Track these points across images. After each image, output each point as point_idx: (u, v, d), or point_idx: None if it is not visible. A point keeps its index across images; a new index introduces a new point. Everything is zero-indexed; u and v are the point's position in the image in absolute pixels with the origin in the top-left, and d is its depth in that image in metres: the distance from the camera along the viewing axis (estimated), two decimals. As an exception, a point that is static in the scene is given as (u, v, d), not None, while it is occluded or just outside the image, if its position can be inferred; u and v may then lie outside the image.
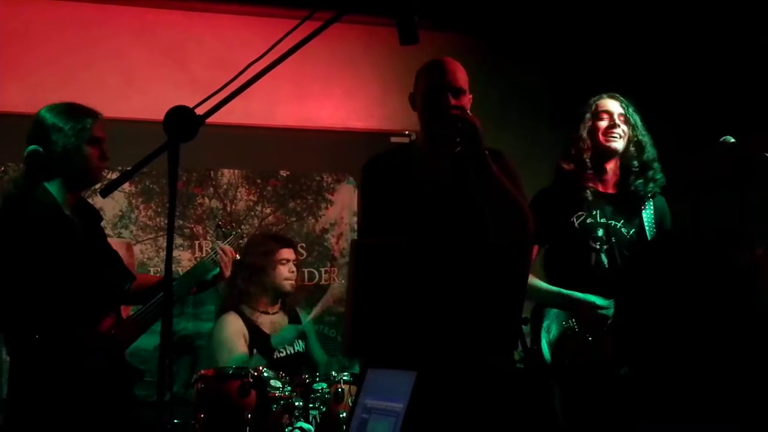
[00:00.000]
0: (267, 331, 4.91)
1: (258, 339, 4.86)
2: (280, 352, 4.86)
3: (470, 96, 3.47)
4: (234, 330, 4.83)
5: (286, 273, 4.97)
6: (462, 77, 3.44)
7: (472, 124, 3.26)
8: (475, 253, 3.01)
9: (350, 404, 3.93)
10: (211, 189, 5.72)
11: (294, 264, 5.04)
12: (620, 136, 3.99)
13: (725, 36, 5.49)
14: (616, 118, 4.00)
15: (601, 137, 3.99)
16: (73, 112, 3.53)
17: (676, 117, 5.56)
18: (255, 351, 4.79)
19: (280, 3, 5.41)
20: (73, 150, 3.47)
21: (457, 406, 3.05)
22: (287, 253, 5.02)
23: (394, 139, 5.83)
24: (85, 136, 3.50)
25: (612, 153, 4.00)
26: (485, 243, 3.13)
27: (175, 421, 4.13)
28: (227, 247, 3.94)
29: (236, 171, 5.77)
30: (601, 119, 4.01)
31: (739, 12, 5.28)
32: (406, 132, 5.80)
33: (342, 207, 5.90)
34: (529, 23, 5.89)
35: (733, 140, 3.87)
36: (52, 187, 3.49)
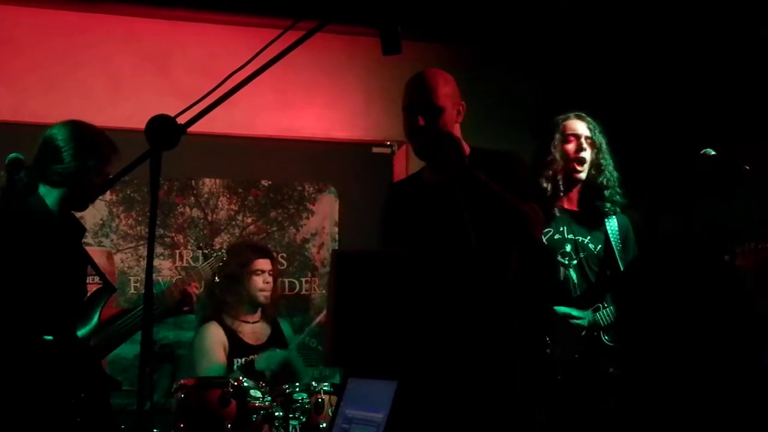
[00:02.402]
0: (248, 341, 4.90)
1: (239, 349, 4.84)
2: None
3: (458, 108, 3.37)
4: (214, 340, 4.81)
5: (260, 284, 4.94)
6: (440, 93, 3.31)
7: (451, 144, 3.19)
8: (456, 262, 3.01)
9: (330, 414, 3.92)
10: (193, 198, 5.70)
11: (270, 275, 4.99)
12: (584, 162, 4.05)
13: (715, 37, 5.51)
14: (583, 141, 4.07)
15: (571, 164, 4.05)
16: (105, 146, 3.58)
17: (661, 127, 5.58)
18: (236, 364, 4.77)
19: (264, 12, 5.41)
20: (86, 179, 3.51)
21: (438, 415, 3.05)
22: (263, 264, 4.98)
23: (376, 150, 5.84)
24: (101, 171, 3.54)
25: (577, 182, 4.08)
26: (466, 251, 3.12)
27: (155, 430, 4.12)
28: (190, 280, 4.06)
29: (218, 180, 5.76)
30: (569, 142, 4.07)
31: (728, 13, 5.30)
32: (388, 142, 5.80)
33: (323, 217, 5.90)
34: (514, 33, 5.89)
35: (713, 152, 3.92)
36: (49, 194, 3.50)
